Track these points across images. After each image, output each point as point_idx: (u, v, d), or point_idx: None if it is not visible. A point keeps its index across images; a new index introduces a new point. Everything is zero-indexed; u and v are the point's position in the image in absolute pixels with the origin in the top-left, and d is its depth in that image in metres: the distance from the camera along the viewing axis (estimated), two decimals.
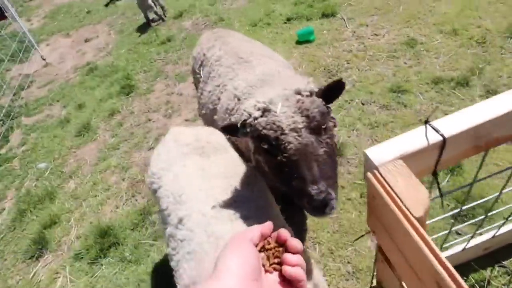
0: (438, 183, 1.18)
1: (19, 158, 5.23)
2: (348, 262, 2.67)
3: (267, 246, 0.72)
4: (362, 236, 2.17)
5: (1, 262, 3.83)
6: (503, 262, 2.32)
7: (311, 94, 1.53)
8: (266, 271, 0.70)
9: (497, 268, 2.31)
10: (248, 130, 1.56)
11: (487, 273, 2.30)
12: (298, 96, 1.51)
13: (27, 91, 6.84)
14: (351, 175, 3.21)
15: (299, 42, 5.16)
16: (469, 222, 2.39)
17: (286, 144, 1.43)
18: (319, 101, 1.53)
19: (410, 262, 1.04)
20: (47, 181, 4.54)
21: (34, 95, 6.62)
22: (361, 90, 3.96)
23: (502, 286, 2.25)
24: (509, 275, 2.27)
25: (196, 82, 2.99)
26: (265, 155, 1.57)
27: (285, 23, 5.84)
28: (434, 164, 1.13)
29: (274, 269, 0.70)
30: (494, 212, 2.24)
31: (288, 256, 0.70)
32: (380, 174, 1.03)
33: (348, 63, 4.46)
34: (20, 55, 7.57)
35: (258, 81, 2.06)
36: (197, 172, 1.80)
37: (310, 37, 5.05)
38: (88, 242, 3.47)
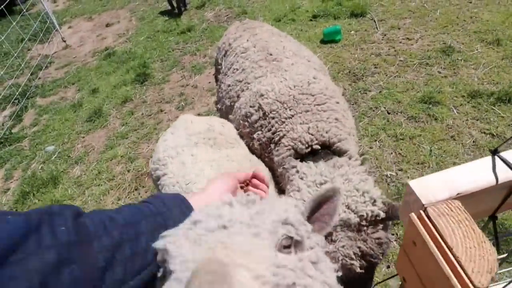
0: (496, 230, 0.92)
1: (29, 138, 5.18)
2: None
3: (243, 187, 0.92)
4: (389, 278, 1.89)
5: None
6: None
7: (375, 222, 1.33)
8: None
9: None
10: None
11: None
12: (362, 224, 1.31)
13: (44, 71, 6.82)
14: None
15: (324, 41, 4.87)
16: None
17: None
18: (385, 239, 1.33)
19: None
20: (53, 165, 4.44)
21: (51, 76, 6.58)
22: (388, 98, 3.65)
23: None
24: None
25: (217, 75, 2.77)
26: None
27: (311, 20, 5.55)
28: (496, 206, 0.86)
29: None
30: None
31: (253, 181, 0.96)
32: (428, 216, 0.78)
33: (375, 67, 4.14)
34: (41, 35, 7.57)
35: (289, 97, 1.81)
36: (208, 163, 1.70)
37: (337, 37, 4.75)
38: None
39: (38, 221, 0.55)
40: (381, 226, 1.33)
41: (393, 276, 1.47)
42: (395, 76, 3.91)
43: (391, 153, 3.15)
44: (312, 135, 1.70)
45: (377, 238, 1.30)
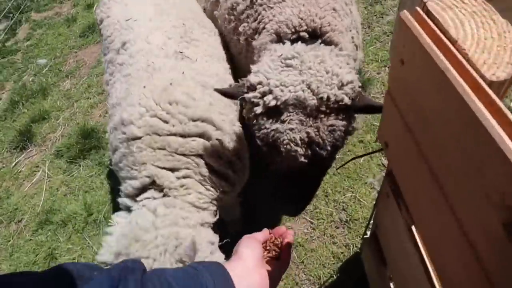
0: None
1: (22, 52, 4.96)
2: (343, 209, 2.28)
3: (264, 244, 0.95)
4: (361, 156, 1.94)
5: None
6: None
7: (337, 109, 1.13)
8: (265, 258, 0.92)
9: None
10: (245, 109, 1.26)
11: None
12: (321, 109, 1.12)
13: None
14: (370, 115, 2.69)
15: None
16: None
17: (275, 163, 1.21)
18: (341, 127, 1.14)
19: (445, 176, 0.58)
20: (44, 78, 4.26)
21: None
22: None
23: None
24: None
25: None
26: (254, 141, 1.26)
27: None
28: None
29: (269, 256, 0.94)
30: None
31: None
32: (428, 12, 0.54)
33: None
34: None
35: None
36: (151, 5, 1.85)
37: None
38: (70, 141, 3.24)
39: (118, 280, 0.60)
40: (342, 115, 1.14)
41: (376, 151, 1.30)
42: None
43: None
44: (302, 19, 1.41)
45: (331, 125, 1.12)
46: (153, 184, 1.34)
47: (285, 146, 1.12)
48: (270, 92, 1.14)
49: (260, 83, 1.17)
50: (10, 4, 5.68)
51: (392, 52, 0.75)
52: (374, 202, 2.24)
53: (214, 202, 1.48)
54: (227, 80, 1.73)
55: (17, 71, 4.63)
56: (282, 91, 1.13)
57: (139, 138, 1.35)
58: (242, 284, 0.76)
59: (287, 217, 2.32)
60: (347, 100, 1.13)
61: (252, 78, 1.20)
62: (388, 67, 2.95)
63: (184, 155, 1.38)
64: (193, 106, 1.43)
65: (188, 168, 1.39)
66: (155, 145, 1.34)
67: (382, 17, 3.38)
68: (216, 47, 1.88)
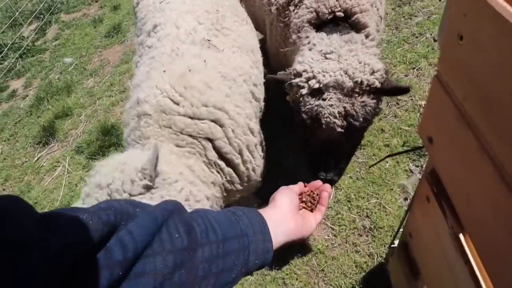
0: None
1: (50, 51, 5.12)
2: (367, 216, 2.16)
3: (300, 196, 0.98)
4: (396, 154, 1.96)
5: (13, 143, 3.82)
6: None
7: (369, 91, 1.38)
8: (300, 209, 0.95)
9: None
10: (291, 94, 1.49)
11: None
12: (356, 90, 1.36)
13: None
14: (397, 118, 2.56)
15: None
16: None
17: (316, 134, 1.43)
18: (371, 104, 1.39)
19: None
20: (69, 76, 4.37)
21: None
22: (437, 24, 3.09)
23: None
24: None
25: None
26: (298, 121, 1.51)
27: None
28: None
29: (304, 207, 0.97)
30: None
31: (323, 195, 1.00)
32: None
33: None
34: None
35: None
36: None
37: None
38: (90, 137, 3.27)
39: (161, 221, 0.59)
40: (372, 96, 1.38)
41: (414, 148, 1.31)
42: None
43: (430, 82, 2.69)
44: (336, 0, 1.58)
45: (363, 101, 1.37)
46: None
47: (325, 119, 1.35)
48: (314, 77, 1.38)
49: (305, 70, 1.41)
50: (41, 6, 5.89)
51: (445, 29, 0.65)
52: (400, 209, 2.10)
53: (220, 187, 1.46)
54: (251, 74, 1.68)
55: (44, 69, 4.76)
56: (324, 76, 1.37)
57: (149, 115, 1.37)
58: (278, 230, 0.79)
59: None
60: (377, 84, 1.36)
61: (298, 67, 1.44)
62: (416, 69, 2.81)
63: (191, 136, 1.36)
64: (208, 94, 1.42)
65: (192, 148, 1.37)
66: (161, 123, 1.36)
67: (411, 19, 3.24)
68: (247, 38, 1.83)
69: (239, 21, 1.84)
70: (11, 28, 5.79)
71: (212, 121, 1.40)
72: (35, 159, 3.45)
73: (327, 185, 1.02)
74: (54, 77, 4.51)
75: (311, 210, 0.97)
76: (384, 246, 1.98)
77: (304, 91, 1.40)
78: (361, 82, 1.34)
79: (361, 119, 1.36)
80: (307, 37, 1.56)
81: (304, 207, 0.97)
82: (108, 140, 3.15)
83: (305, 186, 1.01)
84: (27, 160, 3.51)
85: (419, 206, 1.05)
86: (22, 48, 5.18)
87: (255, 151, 1.57)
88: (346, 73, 1.34)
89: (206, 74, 1.46)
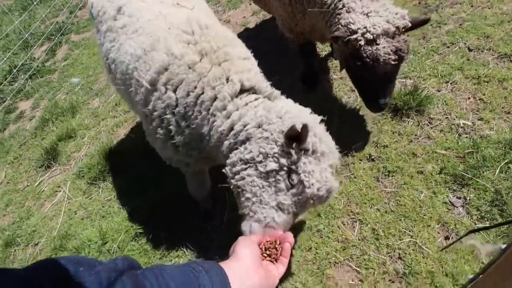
0: None
1: (59, 71, 5.07)
2: (400, 258, 1.80)
3: (261, 246, 1.00)
4: (481, 230, 1.53)
5: (17, 166, 3.67)
6: None
7: (405, 30, 1.84)
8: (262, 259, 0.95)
9: None
10: (348, 46, 1.89)
11: None
12: (397, 33, 1.82)
13: (83, 10, 6.65)
14: (430, 140, 2.21)
15: None
16: None
17: (377, 72, 1.87)
18: (407, 39, 1.87)
19: None
20: (75, 96, 4.25)
21: (88, 15, 6.39)
22: (472, 32, 2.76)
23: None
24: None
25: None
26: (354, 65, 1.95)
27: None
28: None
29: (265, 258, 0.97)
30: None
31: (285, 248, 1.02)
32: None
33: None
34: None
35: None
36: None
37: None
38: (92, 161, 3.06)
39: (106, 285, 0.57)
40: (407, 34, 1.88)
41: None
42: (484, 7, 2.96)
43: (468, 98, 2.35)
44: None
45: (403, 38, 1.84)
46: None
47: (383, 58, 1.81)
48: (368, 31, 1.80)
49: (358, 28, 1.82)
50: (51, 27, 5.92)
51: None
52: (440, 251, 1.74)
53: None
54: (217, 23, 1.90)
55: (52, 90, 4.69)
56: (374, 28, 1.79)
57: (198, 61, 1.47)
58: (240, 286, 0.76)
59: (329, 262, 1.88)
60: (409, 24, 1.83)
61: (352, 27, 1.84)
62: (450, 83, 2.48)
63: None
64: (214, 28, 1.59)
65: None
66: (216, 60, 1.47)
67: (440, 27, 2.93)
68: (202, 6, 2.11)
69: None
70: (23, 49, 5.82)
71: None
72: (37, 183, 3.27)
73: (290, 236, 1.05)
74: (60, 97, 4.41)
75: (275, 261, 0.95)
76: None
77: (362, 42, 1.81)
78: (399, 26, 1.80)
79: (406, 50, 1.85)
80: (340, 0, 1.95)
81: (267, 259, 0.94)
82: (110, 164, 2.93)
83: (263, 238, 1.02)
84: (29, 184, 3.34)
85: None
86: (32, 69, 5.15)
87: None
88: (388, 22, 1.80)
89: (201, 16, 1.67)
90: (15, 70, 5.07)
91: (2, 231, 3.00)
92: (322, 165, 1.21)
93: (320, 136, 1.23)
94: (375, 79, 1.91)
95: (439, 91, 2.47)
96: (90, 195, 2.88)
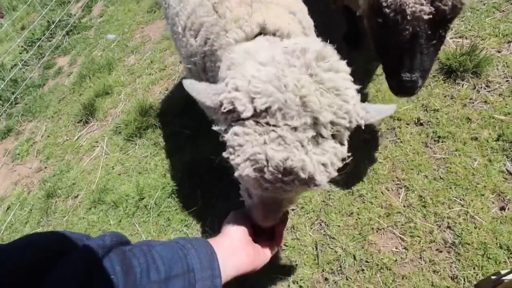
0: None
1: (95, 28, 5.09)
2: (449, 227, 1.72)
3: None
4: None
5: (56, 120, 3.82)
6: None
7: None
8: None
9: None
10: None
11: None
12: None
13: None
14: (488, 105, 2.03)
15: None
16: None
17: (401, 30, 1.33)
18: None
19: None
20: (112, 53, 4.26)
21: None
22: None
23: None
24: None
25: None
26: (376, 27, 1.45)
27: None
28: None
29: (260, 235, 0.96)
30: None
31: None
32: None
33: None
34: None
35: None
36: None
37: None
38: (128, 117, 3.11)
39: (92, 261, 0.56)
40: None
41: None
42: None
43: None
44: None
45: None
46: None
47: (411, 9, 1.26)
48: None
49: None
50: None
51: None
52: (495, 222, 1.64)
53: None
54: None
55: (89, 46, 4.73)
56: None
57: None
58: (228, 263, 0.77)
59: (371, 228, 1.84)
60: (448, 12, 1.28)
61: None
62: None
63: None
64: None
65: None
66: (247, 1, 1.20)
67: None
68: None
69: None
70: (60, 5, 5.85)
71: None
72: (75, 138, 3.39)
73: (285, 216, 1.02)
74: (97, 54, 4.44)
75: (270, 238, 0.94)
76: (474, 268, 1.55)
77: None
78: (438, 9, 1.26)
79: (450, 4, 1.24)
80: None
81: (260, 235, 0.92)
82: (146, 121, 2.96)
83: None
84: (68, 138, 3.47)
85: None
86: (69, 25, 5.19)
87: None
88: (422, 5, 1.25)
89: None
90: (52, 26, 5.13)
91: (44, 182, 3.17)
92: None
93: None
94: (398, 41, 1.36)
95: (499, 51, 2.22)
96: (127, 151, 2.94)
